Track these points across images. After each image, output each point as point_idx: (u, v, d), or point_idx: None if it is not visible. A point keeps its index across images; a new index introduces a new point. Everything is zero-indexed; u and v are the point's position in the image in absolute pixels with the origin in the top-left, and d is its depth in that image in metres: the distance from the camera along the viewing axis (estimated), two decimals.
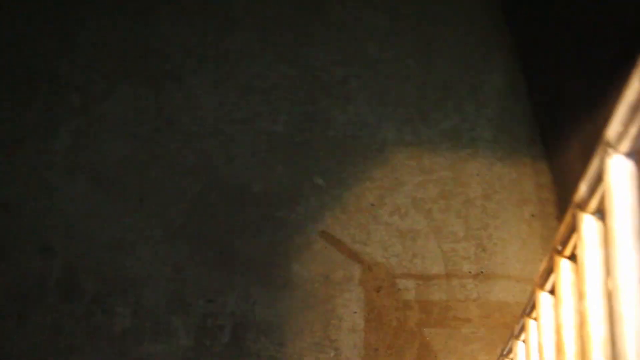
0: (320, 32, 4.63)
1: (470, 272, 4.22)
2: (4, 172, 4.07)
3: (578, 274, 1.23)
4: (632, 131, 0.88)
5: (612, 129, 0.92)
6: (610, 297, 0.95)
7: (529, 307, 1.71)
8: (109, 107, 4.34)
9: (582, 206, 1.12)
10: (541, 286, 1.51)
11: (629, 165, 0.93)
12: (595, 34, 3.84)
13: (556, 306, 1.35)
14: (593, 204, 1.10)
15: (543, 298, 1.52)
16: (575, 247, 1.22)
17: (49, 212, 4.15)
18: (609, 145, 0.94)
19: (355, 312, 4.12)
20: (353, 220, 4.36)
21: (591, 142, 3.19)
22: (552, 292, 1.49)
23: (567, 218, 1.23)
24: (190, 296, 4.12)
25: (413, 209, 4.40)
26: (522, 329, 1.85)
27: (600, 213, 1.12)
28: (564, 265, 1.33)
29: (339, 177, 4.44)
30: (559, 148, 4.39)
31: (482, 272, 4.25)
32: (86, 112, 4.31)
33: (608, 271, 1.03)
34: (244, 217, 4.30)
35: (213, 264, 4.19)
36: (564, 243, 1.30)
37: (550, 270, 1.43)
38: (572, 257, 1.32)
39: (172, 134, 4.40)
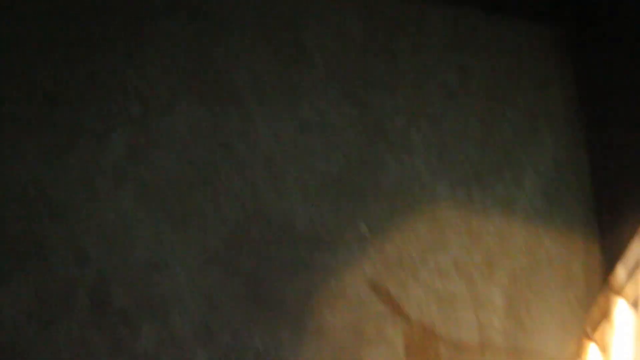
0: (388, 78, 4.93)
1: (505, 347, 4.38)
2: (55, 173, 4.41)
3: None
4: None
5: None
6: None
7: None
8: (167, 123, 4.66)
9: (617, 291, 1.23)
10: None
11: None
12: None
13: None
14: (630, 290, 1.21)
15: None
16: (605, 332, 1.38)
17: (91, 219, 4.47)
18: None
19: None
20: (393, 274, 4.64)
21: None
22: None
23: (600, 300, 1.32)
24: (216, 327, 4.25)
25: (455, 272, 4.69)
26: None
27: (636, 301, 1.21)
28: (592, 350, 1.44)
29: (384, 228, 4.73)
30: (613, 232, 4.69)
31: (516, 349, 4.37)
32: (144, 124, 4.66)
33: None
34: (282, 255, 4.49)
35: (244, 297, 4.45)
36: (595, 327, 1.40)
37: (579, 353, 1.54)
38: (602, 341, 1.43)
39: (224, 159, 4.72)
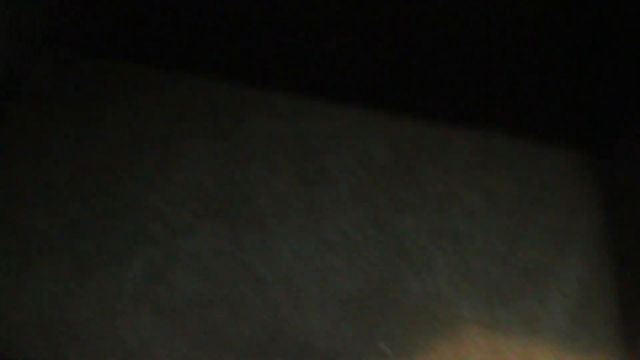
0: (411, 200, 5.13)
1: None
2: (76, 295, 4.62)
3: None
4: None
5: None
6: None
7: None
8: (187, 243, 4.90)
9: None
10: None
11: None
12: None
13: None
14: None
15: None
16: None
17: (109, 337, 4.63)
18: None
19: None
20: (408, 354, 4.68)
21: None
22: None
23: None
24: None
25: None
26: None
27: None
28: None
29: (405, 349, 4.80)
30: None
31: None
32: (164, 245, 4.89)
33: None
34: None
35: None
36: None
37: None
38: None
39: (244, 277, 4.89)
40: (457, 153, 5.31)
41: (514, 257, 4.95)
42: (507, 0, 5.52)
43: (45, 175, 4.79)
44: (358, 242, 4.86)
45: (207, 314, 4.58)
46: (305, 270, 4.71)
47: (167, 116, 5.13)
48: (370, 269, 4.77)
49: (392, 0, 5.42)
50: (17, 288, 4.36)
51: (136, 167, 4.89)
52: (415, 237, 4.96)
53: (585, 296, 4.82)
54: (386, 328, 4.59)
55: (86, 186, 4.82)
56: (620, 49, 4.99)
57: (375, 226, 4.93)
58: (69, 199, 4.71)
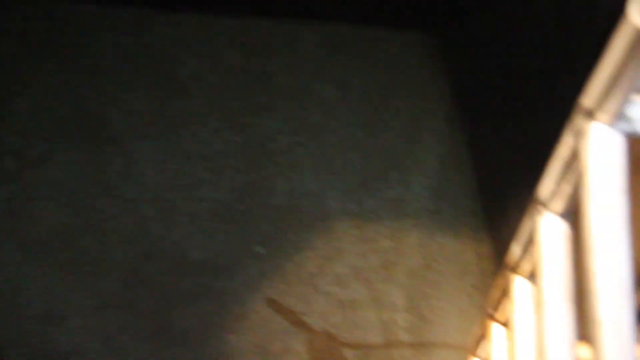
0: (267, 100, 5.12)
1: (410, 343, 4.55)
2: None
3: (510, 339, 1.45)
4: (566, 189, 0.94)
5: (545, 187, 0.99)
6: None
7: None
8: (44, 173, 4.74)
9: (514, 268, 1.21)
10: (474, 353, 1.66)
11: (562, 225, 0.99)
12: (536, 107, 4.46)
13: None
14: (526, 266, 1.17)
15: None
16: (506, 311, 1.32)
17: None
18: (540, 203, 1.01)
19: None
20: (293, 289, 4.79)
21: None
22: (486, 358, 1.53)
23: (499, 281, 1.33)
24: None
25: (354, 279, 4.87)
26: None
27: (533, 275, 1.15)
28: (495, 330, 1.41)
29: (279, 246, 4.88)
30: (499, 219, 4.92)
31: (422, 343, 4.56)
32: (20, 178, 4.75)
33: (540, 335, 1.26)
34: (180, 287, 4.57)
35: (147, 335, 4.49)
36: (496, 307, 1.39)
37: (482, 335, 1.55)
38: (504, 320, 1.38)
39: (110, 201, 4.81)
40: (307, 49, 5.33)
41: (374, 145, 5.09)
42: None
43: None
44: (219, 149, 4.87)
45: (75, 243, 4.52)
46: (171, 184, 4.70)
47: (5, 41, 4.90)
48: (235, 174, 4.80)
49: None
50: None
51: None
52: (276, 136, 5.00)
53: (445, 174, 5.03)
54: (258, 230, 4.66)
55: None
56: None
57: (234, 131, 4.93)
58: None
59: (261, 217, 4.76)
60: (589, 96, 0.77)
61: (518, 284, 1.19)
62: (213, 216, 4.72)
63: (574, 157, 0.87)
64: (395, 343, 4.57)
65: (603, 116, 0.77)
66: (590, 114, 0.78)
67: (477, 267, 4.83)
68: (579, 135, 0.82)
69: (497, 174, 4.85)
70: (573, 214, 1.00)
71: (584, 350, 1.74)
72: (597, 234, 0.77)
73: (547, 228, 0.99)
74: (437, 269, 4.77)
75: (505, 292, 1.29)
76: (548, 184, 0.96)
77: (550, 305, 0.95)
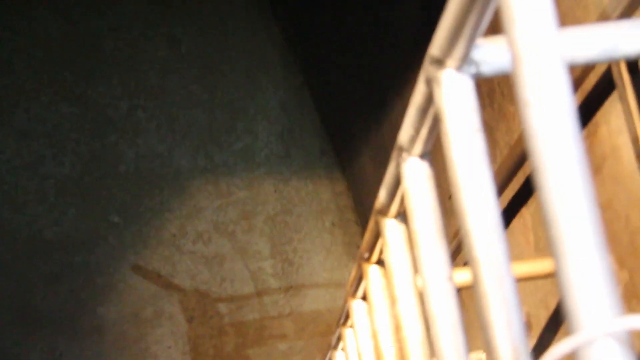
0: (97, 67, 4.96)
1: (280, 288, 4.64)
2: None
3: (387, 278, 1.33)
4: (423, 133, 0.98)
5: (404, 134, 1.03)
6: (421, 297, 1.11)
7: (344, 317, 1.89)
8: None
9: (384, 212, 1.25)
10: (353, 295, 1.67)
11: (424, 166, 1.04)
12: (373, 45, 4.57)
13: (370, 312, 1.48)
14: (394, 208, 1.22)
15: (356, 306, 1.70)
16: (381, 253, 1.39)
17: None
18: (402, 149, 1.05)
19: (169, 347, 4.41)
20: (156, 253, 4.76)
21: (378, 147, 3.90)
22: (364, 298, 1.64)
23: (370, 225, 1.36)
24: None
25: (216, 234, 4.88)
26: (339, 338, 2.02)
27: (402, 216, 1.24)
28: (372, 271, 1.46)
29: (136, 212, 4.83)
30: (350, 155, 5.05)
31: (291, 286, 4.66)
32: None
33: (416, 271, 1.15)
34: (38, 268, 4.46)
35: (11, 323, 4.35)
36: (370, 250, 1.43)
37: (360, 278, 1.57)
38: (380, 262, 1.45)
39: None
40: (133, 8, 5.18)
41: (215, 99, 5.06)
42: None
43: None
44: (57, 123, 4.72)
45: None
46: (11, 165, 4.54)
47: None
48: (77, 146, 4.68)
49: None
50: None
51: None
52: (113, 102, 4.89)
53: (290, 118, 5.09)
54: (111, 200, 4.59)
55: None
56: None
57: (69, 102, 4.78)
58: None
59: (112, 186, 4.68)
60: (437, 46, 0.83)
61: (389, 225, 1.27)
62: (62, 192, 4.60)
63: (428, 104, 0.94)
64: (266, 290, 4.66)
65: (452, 62, 0.84)
66: (439, 62, 0.85)
67: (335, 204, 4.96)
68: (431, 82, 0.88)
69: (341, 113, 4.97)
70: (429, 154, 1.08)
71: (461, 275, 1.86)
72: (460, 170, 0.84)
73: (411, 171, 1.07)
74: (296, 212, 4.87)
75: (378, 235, 1.36)
76: (407, 131, 1.02)
77: (423, 241, 1.03)
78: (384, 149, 4.14)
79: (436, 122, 0.99)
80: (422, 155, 1.06)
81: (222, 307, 4.59)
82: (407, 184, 1.07)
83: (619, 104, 1.73)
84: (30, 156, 4.60)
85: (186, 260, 4.61)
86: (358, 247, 4.86)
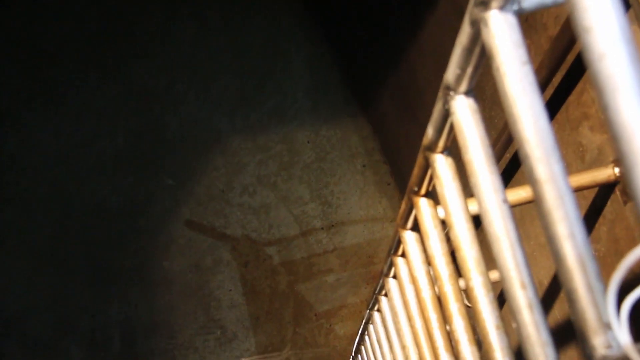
0: (134, 45, 5.01)
1: (322, 228, 4.68)
2: None
3: (436, 208, 1.45)
4: (469, 72, 0.97)
5: (451, 73, 1.01)
6: (478, 220, 1.10)
7: (394, 247, 1.85)
8: None
9: (432, 148, 1.25)
10: (404, 226, 1.66)
11: (471, 101, 1.04)
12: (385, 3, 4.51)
13: (425, 239, 1.48)
14: (441, 143, 1.23)
15: (408, 236, 1.68)
16: (429, 186, 1.42)
17: None
18: (449, 88, 1.04)
19: (230, 290, 4.49)
20: (208, 209, 4.81)
21: (397, 89, 3.87)
22: (413, 229, 1.65)
23: (419, 161, 1.35)
24: (73, 316, 4.30)
25: (259, 186, 4.92)
26: (391, 267, 1.99)
27: (448, 150, 1.25)
28: (423, 203, 1.48)
29: (186, 174, 4.86)
30: (371, 101, 5.03)
31: (332, 225, 4.71)
32: None
33: (469, 198, 1.24)
34: (107, 232, 4.56)
35: (88, 281, 4.49)
36: (419, 184, 1.44)
37: (409, 210, 1.58)
38: (428, 195, 1.47)
39: (17, 173, 4.68)
40: None
41: (243, 64, 5.04)
42: None
43: None
44: (104, 103, 4.73)
45: None
46: (71, 143, 4.56)
47: None
48: (126, 122, 4.70)
49: None
50: None
51: None
52: (153, 77, 4.89)
53: (313, 73, 5.06)
54: (163, 165, 4.62)
55: None
56: None
57: (113, 81, 4.78)
58: None
59: (162, 153, 4.71)
60: None
61: (439, 160, 1.27)
62: (118, 163, 4.63)
63: (474, 44, 0.93)
64: (310, 231, 4.69)
65: (496, 3, 0.83)
66: (485, 4, 0.84)
67: (363, 148, 4.95)
68: (477, 23, 0.87)
69: (360, 62, 4.92)
70: (474, 91, 1.08)
71: (516, 194, 1.85)
72: (514, 100, 0.83)
73: (460, 106, 1.06)
74: (329, 158, 4.87)
75: (426, 170, 1.35)
76: (453, 71, 1.01)
77: (480, 169, 1.03)
78: (403, 90, 4.11)
79: (480, 61, 0.98)
80: (467, 92, 1.04)
81: (272, 250, 4.63)
82: (457, 119, 1.06)
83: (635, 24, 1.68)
84: (86, 133, 4.62)
85: (236, 212, 4.64)
86: (388, 184, 4.90)
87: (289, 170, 4.78)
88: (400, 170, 4.71)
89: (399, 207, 1.70)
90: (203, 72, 4.90)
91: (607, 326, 0.73)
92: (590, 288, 0.75)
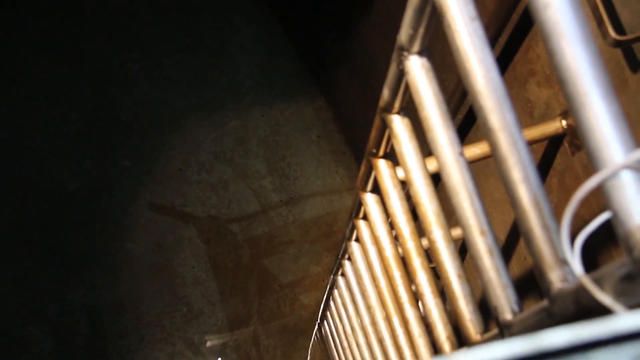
0: (83, 27, 4.94)
1: (281, 201, 4.69)
2: None
3: (394, 169, 1.46)
4: (421, 31, 0.99)
5: (404, 34, 1.02)
6: (436, 179, 1.18)
7: (355, 210, 1.87)
8: None
9: (388, 109, 1.26)
10: (363, 189, 1.67)
11: (424, 61, 1.06)
12: None
13: (385, 199, 1.48)
14: (397, 104, 1.24)
15: (368, 198, 1.70)
16: (387, 147, 1.44)
17: None
18: (403, 49, 1.05)
19: (194, 267, 4.48)
20: (167, 188, 4.77)
21: (349, 58, 3.89)
22: (372, 191, 1.67)
23: (376, 123, 1.36)
24: (39, 303, 4.28)
25: (216, 162, 4.89)
26: (353, 230, 2.00)
27: (404, 111, 1.27)
28: (381, 164, 1.50)
29: (143, 155, 4.82)
30: (324, 72, 5.02)
31: (291, 197, 4.71)
32: None
33: (425, 156, 1.28)
34: (68, 217, 4.51)
35: (52, 267, 4.44)
36: (377, 146, 1.45)
37: (369, 172, 1.59)
38: (386, 156, 1.49)
39: None
40: None
41: (195, 42, 5.02)
42: None
43: None
44: (58, 85, 4.67)
45: None
46: (25, 130, 4.49)
47: None
48: (80, 104, 4.65)
49: None
50: None
51: None
52: (105, 58, 4.84)
53: (266, 48, 5.06)
54: (119, 146, 4.58)
55: None
56: None
57: (66, 65, 4.71)
58: None
59: (117, 134, 4.67)
60: None
61: (396, 120, 1.30)
62: (74, 147, 4.58)
63: (424, 4, 0.96)
64: (270, 204, 4.71)
65: None
66: None
67: (317, 119, 4.97)
68: None
69: (311, 35, 4.92)
70: (427, 50, 1.11)
71: (471, 151, 1.89)
72: (464, 53, 0.86)
73: (414, 66, 1.09)
74: (284, 131, 4.89)
75: (383, 131, 1.38)
76: (406, 31, 1.04)
77: (436, 125, 1.06)
78: (354, 59, 4.13)
79: (431, 20, 1.01)
80: (421, 52, 1.10)
81: (234, 226, 4.64)
82: (412, 78, 1.10)
83: None
84: (39, 119, 4.56)
85: (194, 189, 4.64)
86: (344, 153, 4.93)
87: (245, 145, 4.79)
88: (355, 138, 4.75)
89: (356, 176, 1.73)
90: (153, 51, 4.86)
91: (562, 261, 0.77)
92: (545, 227, 0.79)
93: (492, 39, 2.09)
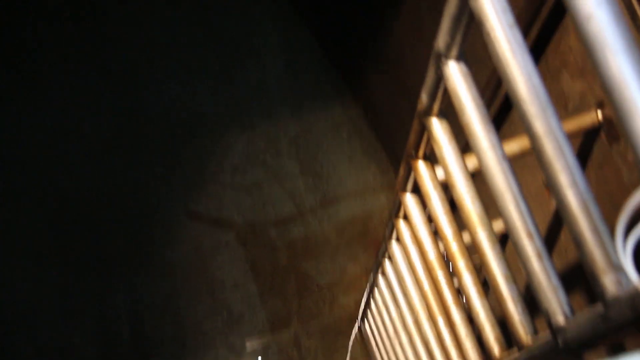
0: (109, 27, 4.92)
1: (315, 200, 4.70)
2: None
3: (434, 170, 1.48)
4: (458, 38, 1.01)
5: (441, 41, 1.04)
6: (476, 177, 1.19)
7: (395, 211, 1.89)
8: None
9: (427, 112, 1.28)
10: (403, 189, 1.70)
11: (462, 66, 1.08)
12: None
13: (426, 200, 1.51)
14: (436, 107, 1.26)
15: (408, 199, 1.72)
16: (426, 149, 1.46)
17: None
18: (440, 55, 1.07)
19: (231, 271, 4.53)
20: (202, 192, 4.78)
21: (377, 56, 3.89)
22: (412, 191, 1.70)
23: (414, 126, 1.38)
24: (81, 308, 4.26)
25: (250, 165, 4.87)
26: (393, 230, 2.01)
27: (442, 113, 1.28)
28: (421, 166, 1.51)
29: (176, 160, 4.82)
30: (352, 69, 5.01)
31: (325, 196, 4.72)
32: None
33: (466, 156, 1.28)
34: (108, 224, 4.44)
35: (93, 272, 4.48)
36: (416, 148, 1.48)
37: (408, 174, 1.61)
38: (425, 158, 1.51)
39: (5, 170, 4.63)
40: None
41: (219, 41, 4.97)
42: None
43: None
44: (82, 89, 4.71)
45: None
46: (52, 137, 4.55)
47: None
48: (107, 110, 4.69)
49: None
50: None
51: None
52: (131, 63, 4.84)
53: (293, 49, 5.05)
54: (152, 153, 4.61)
55: None
56: None
57: (91, 67, 4.76)
58: None
59: (150, 141, 4.70)
60: None
61: (434, 123, 1.31)
62: (106, 150, 4.61)
63: (461, 12, 0.97)
64: (305, 205, 4.72)
65: None
66: None
67: (346, 117, 4.98)
68: None
69: (338, 32, 4.92)
70: (464, 56, 1.12)
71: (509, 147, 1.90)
72: (505, 60, 0.87)
73: (453, 71, 1.10)
74: (314, 130, 4.90)
75: (422, 134, 1.39)
76: (443, 38, 1.05)
77: (477, 127, 1.07)
78: (383, 57, 4.13)
79: (469, 28, 1.02)
80: (458, 58, 1.11)
81: (270, 228, 4.67)
82: (451, 83, 1.11)
83: None
84: (69, 125, 4.59)
85: (229, 193, 4.68)
86: (376, 150, 4.93)
87: (276, 145, 4.81)
88: (386, 134, 4.75)
89: (389, 171, 1.75)
90: (177, 52, 4.87)
91: (616, 267, 0.78)
92: (596, 231, 0.80)
93: (524, 32, 2.09)
